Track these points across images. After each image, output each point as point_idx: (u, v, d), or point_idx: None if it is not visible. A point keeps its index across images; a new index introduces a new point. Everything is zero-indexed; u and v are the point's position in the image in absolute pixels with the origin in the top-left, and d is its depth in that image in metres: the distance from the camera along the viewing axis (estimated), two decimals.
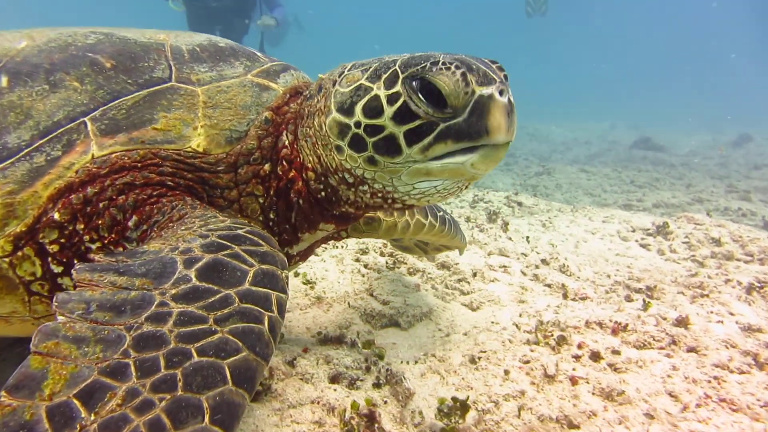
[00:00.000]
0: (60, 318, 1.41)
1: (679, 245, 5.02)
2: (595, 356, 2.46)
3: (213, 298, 1.50)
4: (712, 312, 3.28)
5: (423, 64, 1.73)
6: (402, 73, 1.76)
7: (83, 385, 1.28)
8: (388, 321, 3.33)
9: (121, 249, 1.89)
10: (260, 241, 1.72)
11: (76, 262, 1.85)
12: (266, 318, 1.49)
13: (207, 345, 1.39)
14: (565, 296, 3.48)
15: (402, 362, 2.73)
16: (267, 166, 2.10)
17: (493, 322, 3.11)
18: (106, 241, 1.89)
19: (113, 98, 1.99)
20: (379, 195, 1.97)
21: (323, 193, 2.09)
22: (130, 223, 1.90)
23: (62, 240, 1.86)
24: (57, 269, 1.86)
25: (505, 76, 1.81)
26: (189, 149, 1.98)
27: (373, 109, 1.78)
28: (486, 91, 1.67)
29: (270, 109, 2.11)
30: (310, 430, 1.75)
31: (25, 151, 1.88)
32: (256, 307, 1.51)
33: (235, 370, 1.35)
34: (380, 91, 1.78)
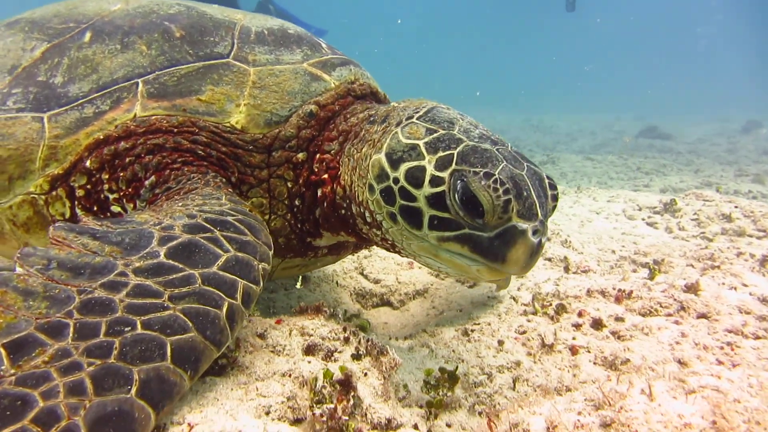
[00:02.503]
0: (18, 269, 1.42)
1: (687, 222, 4.81)
2: (597, 324, 2.27)
3: (174, 276, 1.48)
4: (724, 283, 3.09)
5: (476, 169, 1.67)
6: (456, 164, 1.71)
7: (15, 336, 1.25)
8: (379, 300, 3.16)
9: (132, 205, 1.99)
10: (246, 230, 1.69)
11: (95, 209, 2.00)
12: (226, 304, 1.45)
13: (154, 319, 1.36)
14: (566, 269, 3.29)
15: (391, 338, 2.56)
16: (301, 155, 2.10)
17: (489, 297, 2.92)
18: (122, 194, 1.99)
19: (170, 65, 2.11)
20: (389, 243, 1.97)
21: (343, 212, 2.07)
22: (147, 182, 1.98)
23: (89, 186, 1.98)
24: (80, 213, 1.98)
25: (554, 207, 1.82)
26: (227, 124, 2.04)
27: (415, 178, 1.76)
28: (522, 225, 1.64)
29: (316, 103, 2.12)
30: (278, 403, 1.57)
31: (80, 101, 2.04)
32: (218, 291, 1.47)
33: (178, 349, 1.31)
34: (429, 166, 1.75)
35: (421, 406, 1.88)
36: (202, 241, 1.59)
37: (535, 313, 2.46)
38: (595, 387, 1.40)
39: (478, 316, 2.63)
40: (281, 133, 2.07)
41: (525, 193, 1.65)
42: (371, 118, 2.07)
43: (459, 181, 1.67)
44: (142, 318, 1.35)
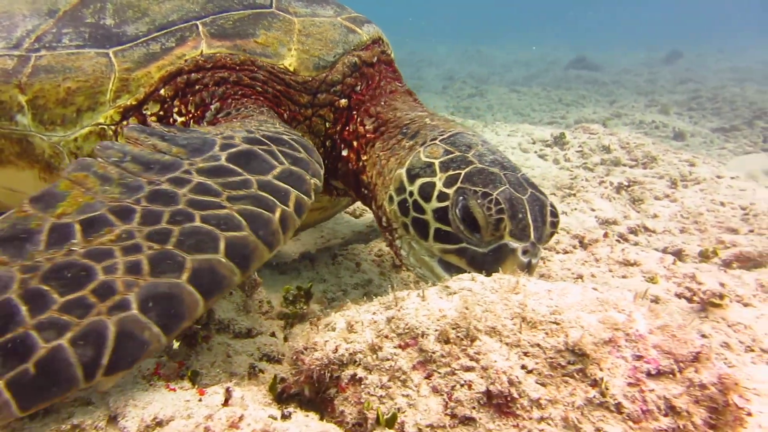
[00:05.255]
0: (98, 159, 1.60)
1: (573, 154, 5.29)
2: None
3: (233, 179, 1.62)
4: (576, 209, 3.56)
5: (477, 188, 1.81)
6: (461, 182, 1.86)
7: (90, 215, 1.42)
8: None
9: (197, 126, 2.12)
10: (300, 149, 1.83)
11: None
12: (279, 210, 1.57)
13: (211, 215, 1.47)
14: None
15: (270, 264, 2.90)
16: (344, 101, 2.35)
17: (367, 226, 3.30)
18: (189, 117, 2.17)
19: (221, 11, 2.28)
20: (394, 249, 2.16)
21: (365, 191, 2.29)
22: (212, 107, 2.18)
23: (161, 113, 2.14)
24: None
25: (553, 233, 1.92)
26: (281, 66, 2.25)
27: (427, 193, 1.92)
28: (512, 244, 1.79)
29: (359, 57, 2.36)
30: None
31: (143, 39, 2.17)
32: (272, 197, 1.59)
33: (231, 244, 1.41)
34: (439, 183, 1.91)
35: (281, 318, 2.25)
36: (260, 151, 1.71)
37: None
38: (387, 296, 1.77)
39: (351, 243, 3.00)
40: (328, 77, 2.31)
41: (520, 216, 1.79)
42: (404, 129, 2.24)
43: (461, 198, 1.83)
44: (201, 213, 1.46)
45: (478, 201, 1.79)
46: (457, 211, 1.83)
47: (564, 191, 3.85)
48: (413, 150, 2.09)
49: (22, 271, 1.29)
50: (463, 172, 1.88)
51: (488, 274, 1.79)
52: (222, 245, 1.40)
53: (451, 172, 1.91)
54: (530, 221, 1.81)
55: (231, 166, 1.64)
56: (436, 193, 1.90)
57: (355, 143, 2.32)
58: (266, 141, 1.78)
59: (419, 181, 1.96)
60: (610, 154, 5.15)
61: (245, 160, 1.67)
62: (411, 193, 1.97)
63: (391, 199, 2.06)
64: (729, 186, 4.21)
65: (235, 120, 2.09)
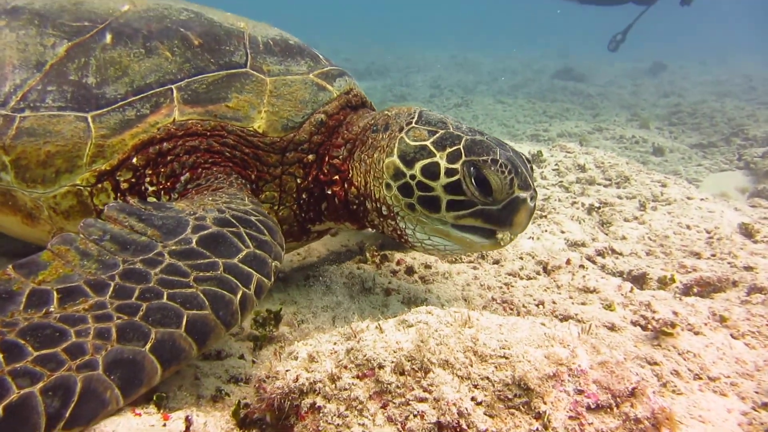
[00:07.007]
0: (80, 235, 1.75)
1: (549, 172, 5.40)
2: (410, 271, 2.77)
3: (201, 261, 1.76)
4: (546, 231, 3.67)
5: (483, 158, 2.06)
6: (465, 156, 2.08)
7: (68, 285, 1.58)
8: None
9: (167, 197, 2.26)
10: (264, 231, 1.97)
11: (128, 197, 2.22)
12: (241, 292, 1.72)
13: (178, 294, 1.64)
14: None
15: None
16: (311, 157, 2.43)
17: (342, 245, 3.38)
18: (160, 187, 2.26)
19: (197, 73, 2.33)
20: (397, 232, 2.31)
21: (355, 207, 2.40)
22: (182, 178, 2.26)
23: (133, 180, 2.22)
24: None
25: (532, 168, 2.22)
26: (251, 129, 2.33)
27: (432, 172, 2.12)
28: (522, 195, 2.07)
29: (325, 113, 2.43)
30: None
31: (120, 103, 2.23)
32: (235, 280, 1.74)
33: (192, 322, 1.57)
34: (441, 161, 2.11)
35: (251, 340, 2.32)
36: (228, 234, 1.85)
37: (365, 262, 2.93)
38: (348, 327, 1.85)
39: (325, 263, 3.08)
40: (295, 138, 2.38)
41: (520, 170, 2.08)
42: (373, 128, 2.38)
43: (471, 168, 2.05)
44: (169, 291, 1.61)
45: (492, 168, 2.03)
46: (471, 180, 2.05)
47: (535, 213, 3.95)
48: (394, 138, 2.25)
49: (1, 325, 1.43)
50: (461, 147, 2.10)
51: (505, 225, 2.10)
52: (184, 321, 1.55)
53: (450, 150, 2.11)
54: (526, 172, 2.11)
55: (200, 249, 1.77)
56: (443, 171, 2.09)
57: (337, 177, 2.42)
58: (235, 222, 1.92)
59: (419, 164, 2.14)
60: (585, 173, 5.26)
61: (214, 244, 1.80)
62: (413, 177, 2.15)
63: (388, 186, 2.22)
64: (698, 207, 4.34)
65: (205, 192, 2.18)
